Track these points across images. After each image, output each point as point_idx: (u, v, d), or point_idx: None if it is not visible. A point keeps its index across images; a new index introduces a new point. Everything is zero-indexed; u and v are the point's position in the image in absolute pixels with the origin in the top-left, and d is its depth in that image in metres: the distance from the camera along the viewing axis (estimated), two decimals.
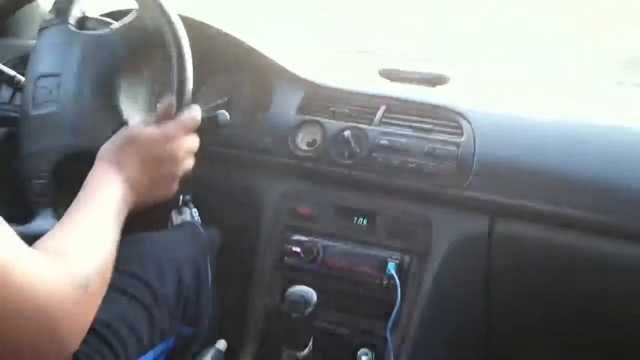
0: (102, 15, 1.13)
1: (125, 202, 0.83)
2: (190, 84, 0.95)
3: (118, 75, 1.00)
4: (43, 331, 0.64)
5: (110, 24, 1.04)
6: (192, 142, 0.95)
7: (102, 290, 0.75)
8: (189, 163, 0.94)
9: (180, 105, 0.93)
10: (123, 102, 1.00)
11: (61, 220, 0.76)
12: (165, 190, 0.92)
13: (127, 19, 1.00)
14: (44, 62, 1.03)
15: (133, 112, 1.01)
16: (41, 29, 1.06)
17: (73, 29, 1.02)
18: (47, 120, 0.99)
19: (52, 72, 1.01)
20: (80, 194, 0.80)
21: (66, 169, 0.98)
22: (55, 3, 1.05)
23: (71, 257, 0.70)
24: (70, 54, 1.01)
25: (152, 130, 0.89)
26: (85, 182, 0.82)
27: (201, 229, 1.13)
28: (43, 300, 0.63)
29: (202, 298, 1.04)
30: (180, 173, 0.92)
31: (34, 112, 1.00)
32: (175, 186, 0.93)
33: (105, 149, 0.87)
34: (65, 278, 0.66)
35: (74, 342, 0.70)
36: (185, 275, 0.99)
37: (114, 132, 0.92)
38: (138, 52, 1.01)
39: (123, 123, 0.97)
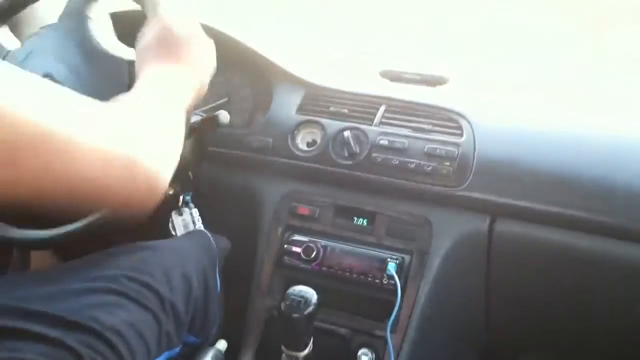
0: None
1: (191, 87, 0.80)
2: None
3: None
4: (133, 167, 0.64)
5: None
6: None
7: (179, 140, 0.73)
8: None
9: None
10: None
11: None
12: (207, 73, 0.86)
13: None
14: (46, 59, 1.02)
15: None
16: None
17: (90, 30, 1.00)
18: None
19: (47, 72, 1.01)
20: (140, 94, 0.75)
21: None
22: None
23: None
24: (70, 57, 0.99)
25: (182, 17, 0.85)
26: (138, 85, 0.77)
27: (212, 239, 1.12)
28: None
29: (210, 309, 1.04)
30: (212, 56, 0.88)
31: None
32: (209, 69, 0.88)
33: (147, 46, 0.82)
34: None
35: (164, 178, 0.69)
36: (195, 285, 0.99)
37: None
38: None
39: None
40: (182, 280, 0.97)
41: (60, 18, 1.03)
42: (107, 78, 0.97)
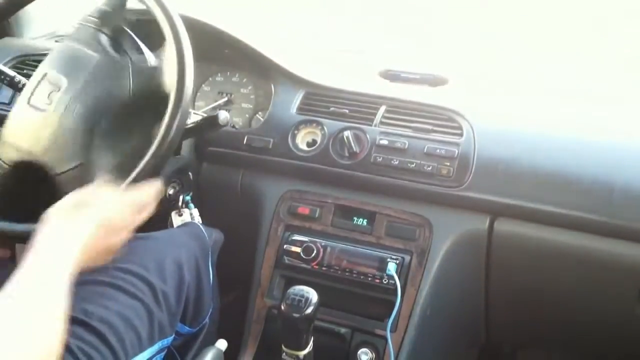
0: None
1: (74, 264, 0.74)
2: (189, 93, 0.95)
3: (109, 113, 0.98)
4: None
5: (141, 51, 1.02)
6: (140, 218, 0.87)
7: None
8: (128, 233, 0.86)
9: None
10: (97, 145, 0.96)
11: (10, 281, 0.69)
12: (107, 255, 0.83)
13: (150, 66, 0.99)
14: (59, 61, 1.02)
15: (101, 161, 0.97)
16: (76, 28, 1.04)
17: (104, 42, 1.01)
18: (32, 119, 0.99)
19: (60, 74, 1.01)
20: (31, 256, 0.72)
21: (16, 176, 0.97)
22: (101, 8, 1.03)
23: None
24: (84, 67, 0.99)
25: (110, 196, 0.83)
26: (35, 240, 0.74)
27: (203, 230, 1.13)
28: None
29: (203, 297, 1.05)
30: (122, 240, 0.84)
31: (27, 106, 1.00)
32: (115, 250, 0.84)
33: (58, 209, 0.79)
34: None
35: None
36: (186, 274, 1.00)
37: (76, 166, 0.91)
38: (139, 102, 1.00)
39: (83, 165, 0.94)
40: (174, 269, 0.97)
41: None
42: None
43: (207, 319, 1.09)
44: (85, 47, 1.00)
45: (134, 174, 0.93)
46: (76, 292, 0.83)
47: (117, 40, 1.02)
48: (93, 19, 1.02)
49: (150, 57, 1.02)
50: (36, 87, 1.00)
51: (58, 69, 1.00)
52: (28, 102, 1.00)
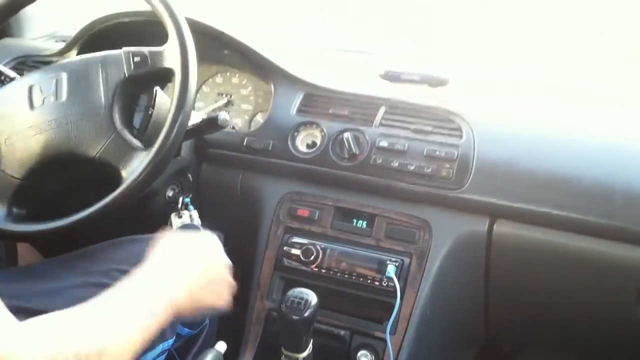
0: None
1: (174, 304, 0.76)
2: (193, 89, 0.96)
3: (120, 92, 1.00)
4: None
5: None
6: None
7: None
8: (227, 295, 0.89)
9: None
10: (115, 118, 0.99)
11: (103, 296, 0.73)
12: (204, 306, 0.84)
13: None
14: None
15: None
16: None
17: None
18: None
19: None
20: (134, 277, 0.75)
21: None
22: None
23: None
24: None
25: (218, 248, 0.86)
26: (144, 257, 0.78)
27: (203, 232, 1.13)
28: None
29: None
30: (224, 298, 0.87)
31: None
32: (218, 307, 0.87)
33: (174, 238, 0.82)
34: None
35: None
36: None
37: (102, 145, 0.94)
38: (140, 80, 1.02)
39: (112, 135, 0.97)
40: None
41: None
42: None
43: (207, 321, 1.09)
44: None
45: (160, 139, 0.93)
46: (78, 293, 0.84)
47: None
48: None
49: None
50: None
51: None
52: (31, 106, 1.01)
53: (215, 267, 0.84)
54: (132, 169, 0.95)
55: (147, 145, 0.97)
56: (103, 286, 0.88)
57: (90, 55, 1.05)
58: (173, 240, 0.82)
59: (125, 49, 1.01)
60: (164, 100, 1.04)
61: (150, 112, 1.03)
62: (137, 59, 1.00)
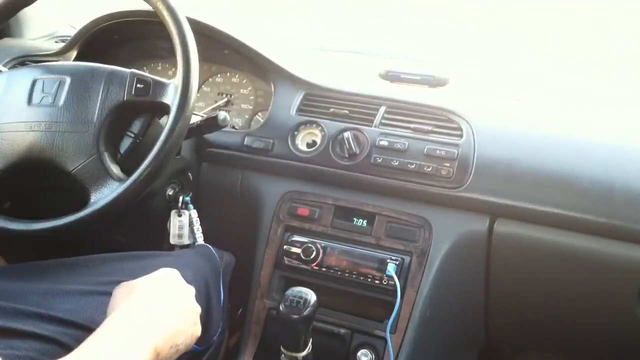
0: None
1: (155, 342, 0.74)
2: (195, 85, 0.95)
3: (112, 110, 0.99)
4: None
5: None
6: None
7: None
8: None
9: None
10: (101, 140, 0.98)
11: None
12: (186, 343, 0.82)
13: None
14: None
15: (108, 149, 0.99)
16: None
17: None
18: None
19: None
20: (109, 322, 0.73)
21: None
22: None
23: None
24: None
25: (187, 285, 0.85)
26: (115, 307, 0.76)
27: (214, 252, 1.12)
28: None
29: (212, 318, 1.03)
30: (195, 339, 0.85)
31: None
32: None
33: (145, 281, 0.81)
34: None
35: None
36: (195, 294, 0.98)
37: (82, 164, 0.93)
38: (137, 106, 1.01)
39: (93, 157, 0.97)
40: None
41: None
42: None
43: (214, 339, 1.07)
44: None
45: (136, 174, 0.93)
46: (83, 301, 0.83)
47: None
48: None
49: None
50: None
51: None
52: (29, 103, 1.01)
53: (189, 310, 0.82)
54: (101, 196, 0.94)
55: (127, 172, 0.96)
56: (107, 294, 0.87)
57: (99, 66, 1.04)
58: (150, 284, 0.81)
59: (133, 71, 1.01)
60: (158, 131, 1.01)
61: (137, 141, 1.02)
62: (140, 85, 0.99)
